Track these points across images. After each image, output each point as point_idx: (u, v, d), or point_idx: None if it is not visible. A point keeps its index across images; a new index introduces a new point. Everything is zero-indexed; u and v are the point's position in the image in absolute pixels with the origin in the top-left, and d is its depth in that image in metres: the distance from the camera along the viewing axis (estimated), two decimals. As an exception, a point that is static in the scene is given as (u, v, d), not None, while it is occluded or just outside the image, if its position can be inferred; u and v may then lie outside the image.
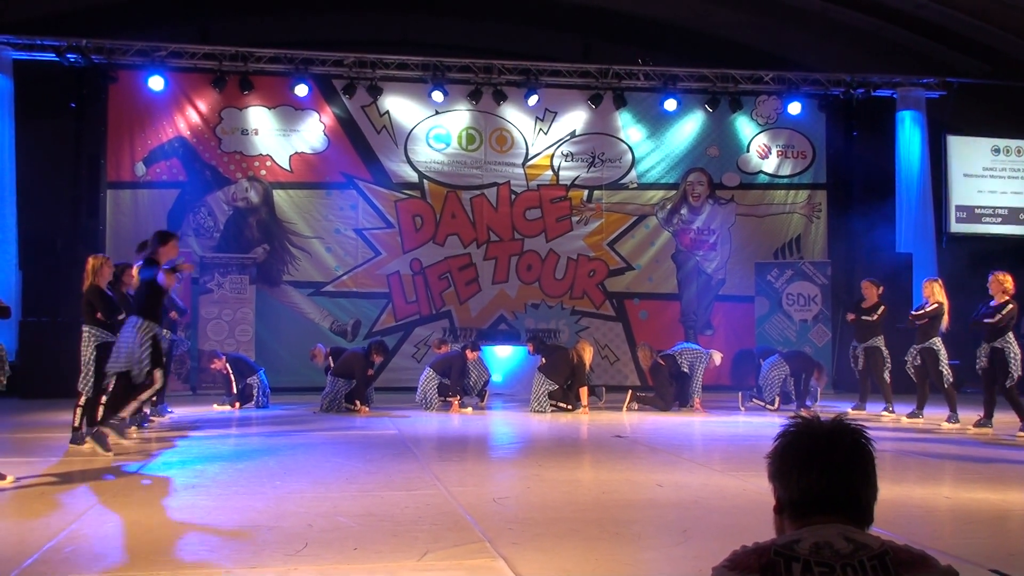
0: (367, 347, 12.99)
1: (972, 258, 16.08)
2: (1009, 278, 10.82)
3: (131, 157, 15.53)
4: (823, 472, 1.98)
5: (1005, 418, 10.98)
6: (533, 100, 16.27)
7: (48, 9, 15.41)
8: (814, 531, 1.92)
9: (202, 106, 15.77)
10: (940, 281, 12.14)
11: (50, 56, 14.84)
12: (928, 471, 8.06)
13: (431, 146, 16.46)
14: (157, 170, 15.63)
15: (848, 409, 12.21)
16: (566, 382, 12.82)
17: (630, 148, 17.05)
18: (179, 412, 12.28)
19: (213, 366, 13.30)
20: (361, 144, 16.23)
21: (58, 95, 15.39)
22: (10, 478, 6.91)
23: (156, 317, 8.95)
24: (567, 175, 16.84)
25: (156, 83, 15.09)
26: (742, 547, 1.97)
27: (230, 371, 13.04)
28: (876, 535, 1.93)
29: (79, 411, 8.96)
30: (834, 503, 1.97)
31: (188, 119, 15.73)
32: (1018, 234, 17.10)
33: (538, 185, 16.75)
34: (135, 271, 9.99)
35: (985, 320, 10.61)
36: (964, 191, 17.08)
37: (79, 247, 14.89)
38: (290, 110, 16.02)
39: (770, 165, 17.42)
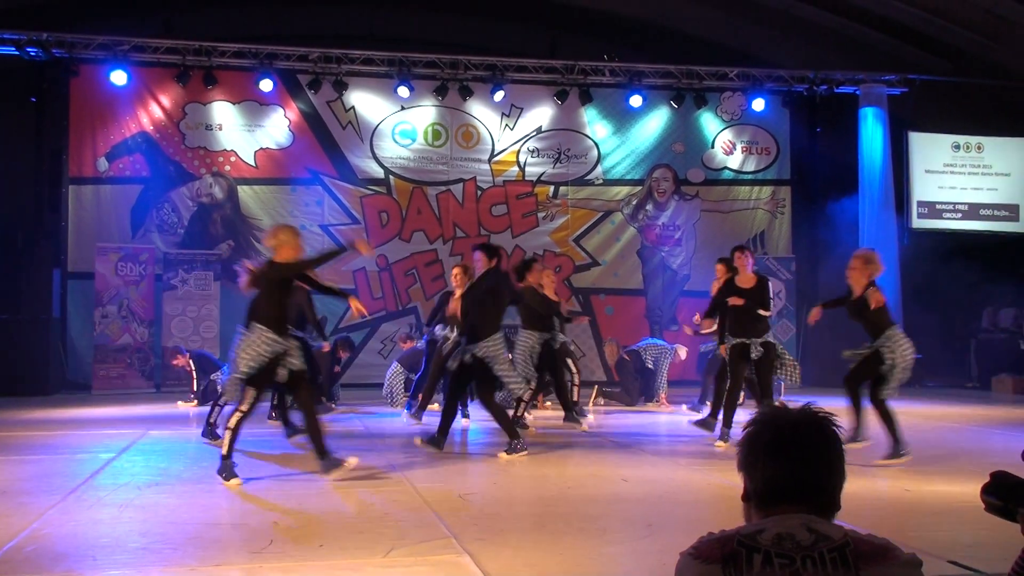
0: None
1: (934, 254, 16.28)
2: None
3: (93, 152, 15.36)
4: (787, 461, 1.98)
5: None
6: (499, 96, 16.26)
7: (7, 2, 15.20)
8: (778, 521, 1.92)
9: (165, 101, 15.62)
10: None
11: (10, 50, 14.62)
12: (887, 463, 8.16)
13: (397, 142, 16.42)
14: (120, 165, 15.48)
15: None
16: None
17: (596, 144, 17.09)
18: (142, 410, 12.18)
19: (176, 363, 13.21)
20: (326, 140, 16.15)
21: (18, 89, 15.18)
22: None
23: None
24: (533, 171, 16.85)
25: (119, 77, 14.92)
26: (708, 534, 1.98)
27: (193, 368, 12.96)
28: (839, 525, 1.93)
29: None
30: (799, 492, 1.97)
31: (151, 114, 15.59)
32: (978, 230, 17.31)
33: (504, 181, 16.76)
34: None
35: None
36: (925, 187, 17.27)
37: (40, 243, 14.77)
38: (255, 105, 15.91)
39: (735, 161, 17.53)
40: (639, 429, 10.68)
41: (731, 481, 7.15)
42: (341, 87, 15.81)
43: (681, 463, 8.17)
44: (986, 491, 2.34)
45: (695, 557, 1.92)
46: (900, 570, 1.88)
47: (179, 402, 12.88)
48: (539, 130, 16.88)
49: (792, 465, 1.98)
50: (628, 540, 5.44)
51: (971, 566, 4.73)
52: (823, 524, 1.92)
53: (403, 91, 15.81)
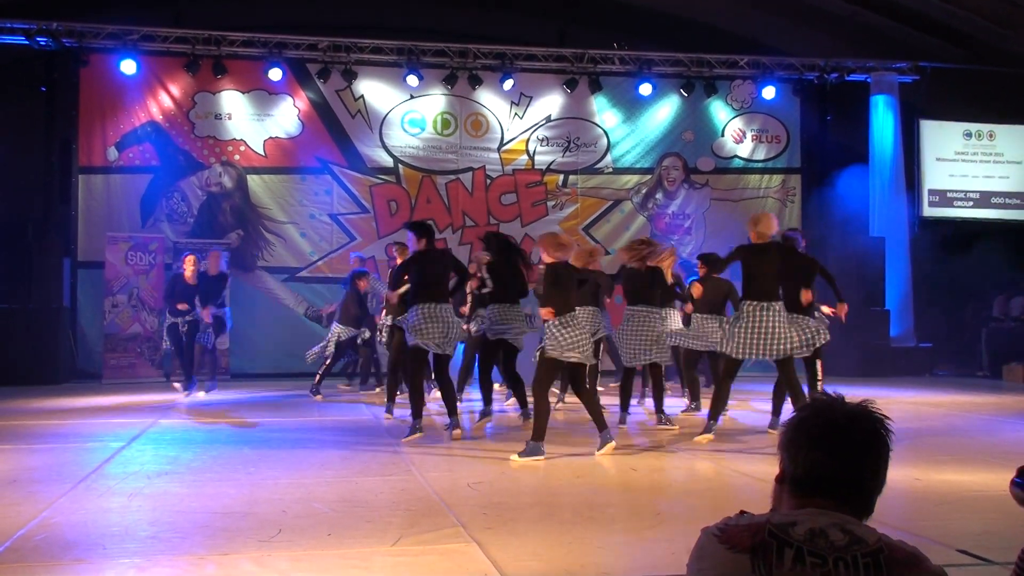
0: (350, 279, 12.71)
1: (945, 242, 16.22)
2: None
3: (103, 142, 15.37)
4: (833, 452, 1.91)
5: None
6: (508, 85, 16.23)
7: (17, -8, 15.21)
8: (811, 515, 1.86)
9: (175, 90, 15.63)
10: None
11: (20, 39, 14.64)
12: (896, 453, 8.14)
13: (406, 131, 16.40)
14: (130, 155, 15.49)
15: None
16: None
17: (605, 133, 17.05)
18: (152, 399, 12.22)
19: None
20: (336, 129, 16.15)
21: (28, 79, 15.20)
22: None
23: None
24: (542, 160, 16.82)
25: (128, 67, 14.93)
26: (737, 515, 1.93)
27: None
28: (873, 529, 1.87)
29: None
30: (837, 487, 1.90)
31: (161, 103, 15.59)
32: (989, 218, 17.23)
33: (513, 170, 16.73)
34: None
35: None
36: (936, 175, 17.19)
37: (50, 232, 14.79)
38: (264, 94, 15.90)
39: (745, 149, 17.48)
40: (649, 417, 10.64)
41: (741, 471, 7.14)
42: (350, 76, 15.79)
43: (690, 452, 8.15)
44: (1016, 484, 2.35)
45: (722, 541, 1.85)
46: None
47: (201, 392, 12.58)
48: (548, 119, 16.84)
49: (838, 457, 1.90)
50: (636, 529, 5.43)
51: (981, 555, 4.72)
52: (858, 526, 1.86)
53: (412, 80, 15.79)
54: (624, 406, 9.77)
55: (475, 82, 16.10)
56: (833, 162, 17.06)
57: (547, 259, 7.96)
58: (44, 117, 15.18)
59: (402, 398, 10.49)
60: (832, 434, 1.92)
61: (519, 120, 16.73)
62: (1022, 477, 2.34)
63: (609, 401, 10.46)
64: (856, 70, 16.94)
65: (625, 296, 9.79)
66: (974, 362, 16.63)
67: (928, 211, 17.04)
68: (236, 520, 5.48)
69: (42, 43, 14.73)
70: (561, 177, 16.88)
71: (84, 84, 15.31)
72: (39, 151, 15.19)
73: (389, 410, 10.26)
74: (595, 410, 7.91)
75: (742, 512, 2.04)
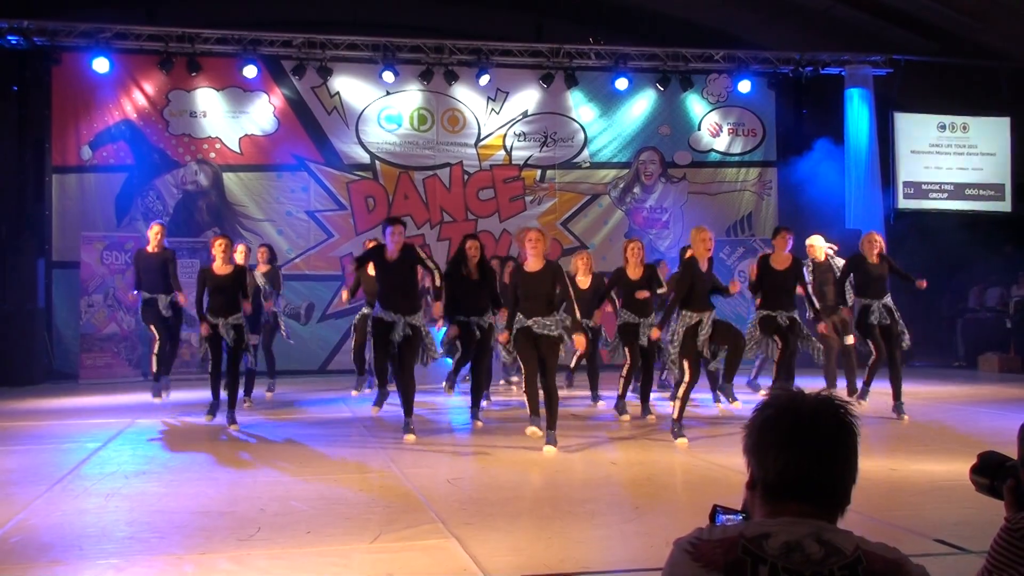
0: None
1: (920, 233, 16.31)
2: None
3: (77, 141, 15.24)
4: (803, 455, 1.82)
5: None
6: (484, 80, 16.20)
7: (-13, -10, 15.07)
8: (786, 525, 1.78)
9: (149, 88, 15.51)
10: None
11: (-9, 38, 14.51)
12: (872, 443, 8.19)
13: (383, 127, 16.35)
14: (104, 154, 15.37)
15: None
16: None
17: (582, 127, 17.06)
18: (129, 399, 12.13)
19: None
20: (312, 126, 16.08)
21: None
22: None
23: None
24: (520, 155, 16.81)
25: (101, 65, 14.78)
26: (708, 527, 1.85)
27: None
28: (850, 535, 1.80)
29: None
30: (812, 488, 1.82)
31: (135, 101, 15.47)
32: (964, 209, 17.34)
33: (491, 165, 16.71)
34: None
35: None
36: (911, 167, 17.28)
37: (24, 233, 14.66)
38: (239, 92, 15.81)
39: (721, 143, 17.53)
40: (632, 412, 10.67)
41: (718, 463, 7.17)
42: (326, 73, 15.72)
43: (670, 446, 8.17)
44: (974, 471, 2.38)
45: (695, 559, 1.77)
46: None
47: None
48: (525, 114, 16.83)
49: (808, 458, 1.82)
50: (615, 523, 5.45)
51: (957, 544, 4.76)
52: (834, 534, 1.79)
53: (388, 76, 15.74)
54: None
55: (451, 78, 16.07)
56: (809, 155, 17.13)
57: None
58: (16, 117, 15.04)
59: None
60: (799, 433, 1.83)
61: (496, 115, 16.71)
62: (980, 466, 2.37)
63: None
64: (831, 63, 17.01)
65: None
66: (950, 353, 16.75)
67: (903, 203, 17.14)
68: (214, 519, 5.46)
69: (13, 42, 14.57)
70: (539, 172, 16.88)
71: (56, 83, 15.17)
72: (11, 151, 15.05)
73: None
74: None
75: (715, 507, 2.00)
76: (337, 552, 4.74)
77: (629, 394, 10.19)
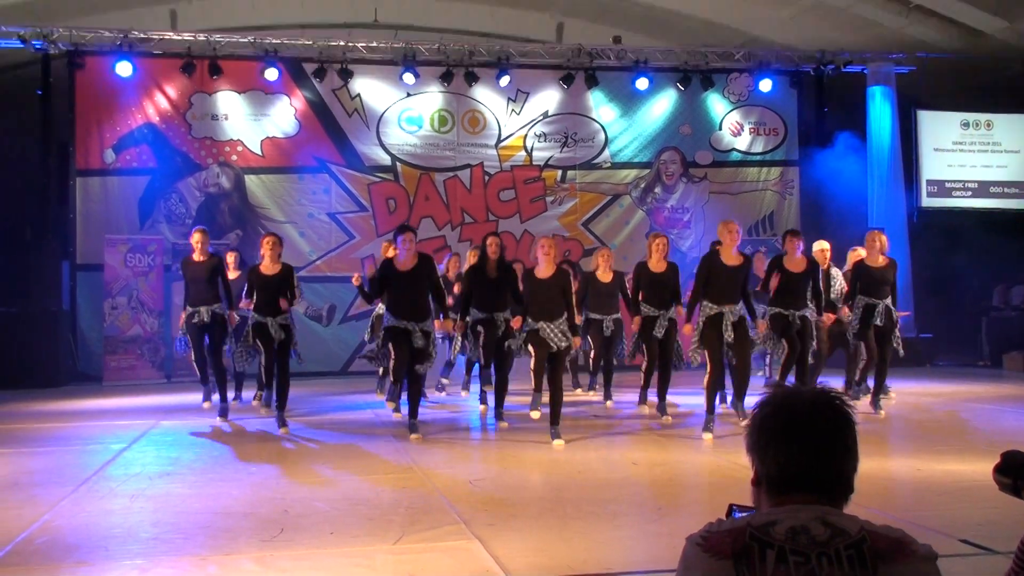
0: None
1: (944, 232, 16.19)
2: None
3: (100, 144, 15.35)
4: (802, 448, 1.88)
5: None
6: (505, 81, 16.19)
7: (12, -4, 15.19)
8: (791, 513, 1.84)
9: (171, 92, 15.60)
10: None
11: (15, 43, 14.60)
12: (897, 443, 8.14)
13: (403, 129, 16.38)
14: (127, 157, 15.47)
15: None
16: None
17: (603, 127, 17.03)
18: (153, 400, 12.20)
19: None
20: (333, 128, 16.13)
21: (24, 83, 15.18)
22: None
23: None
24: (540, 155, 16.81)
25: (124, 69, 14.88)
26: (718, 521, 1.91)
27: None
28: (855, 518, 1.85)
29: None
30: (813, 480, 1.88)
31: (157, 105, 15.57)
32: (988, 207, 17.21)
33: (511, 166, 16.71)
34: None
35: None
36: (934, 165, 17.16)
37: (49, 236, 14.78)
38: (260, 94, 15.88)
39: (742, 142, 17.46)
40: (650, 411, 10.64)
41: (742, 463, 7.13)
42: (346, 75, 15.77)
43: (691, 446, 8.15)
44: (997, 471, 2.38)
45: (705, 550, 1.83)
46: (917, 566, 1.81)
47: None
48: (546, 114, 16.82)
49: (808, 451, 1.88)
50: (638, 524, 5.44)
51: (983, 544, 4.73)
52: (839, 517, 1.84)
53: (408, 78, 15.76)
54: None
55: (471, 79, 16.08)
56: (831, 154, 17.04)
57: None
58: (40, 121, 15.14)
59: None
60: (797, 429, 1.89)
61: (516, 116, 16.71)
62: (1003, 466, 2.37)
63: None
64: (852, 61, 16.91)
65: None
66: (975, 352, 16.62)
67: (927, 201, 17.02)
68: (238, 520, 5.48)
69: (37, 47, 14.69)
70: (559, 172, 16.86)
71: (80, 87, 15.28)
72: (36, 155, 15.17)
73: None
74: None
75: (731, 506, 2.06)
76: (360, 553, 4.75)
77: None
